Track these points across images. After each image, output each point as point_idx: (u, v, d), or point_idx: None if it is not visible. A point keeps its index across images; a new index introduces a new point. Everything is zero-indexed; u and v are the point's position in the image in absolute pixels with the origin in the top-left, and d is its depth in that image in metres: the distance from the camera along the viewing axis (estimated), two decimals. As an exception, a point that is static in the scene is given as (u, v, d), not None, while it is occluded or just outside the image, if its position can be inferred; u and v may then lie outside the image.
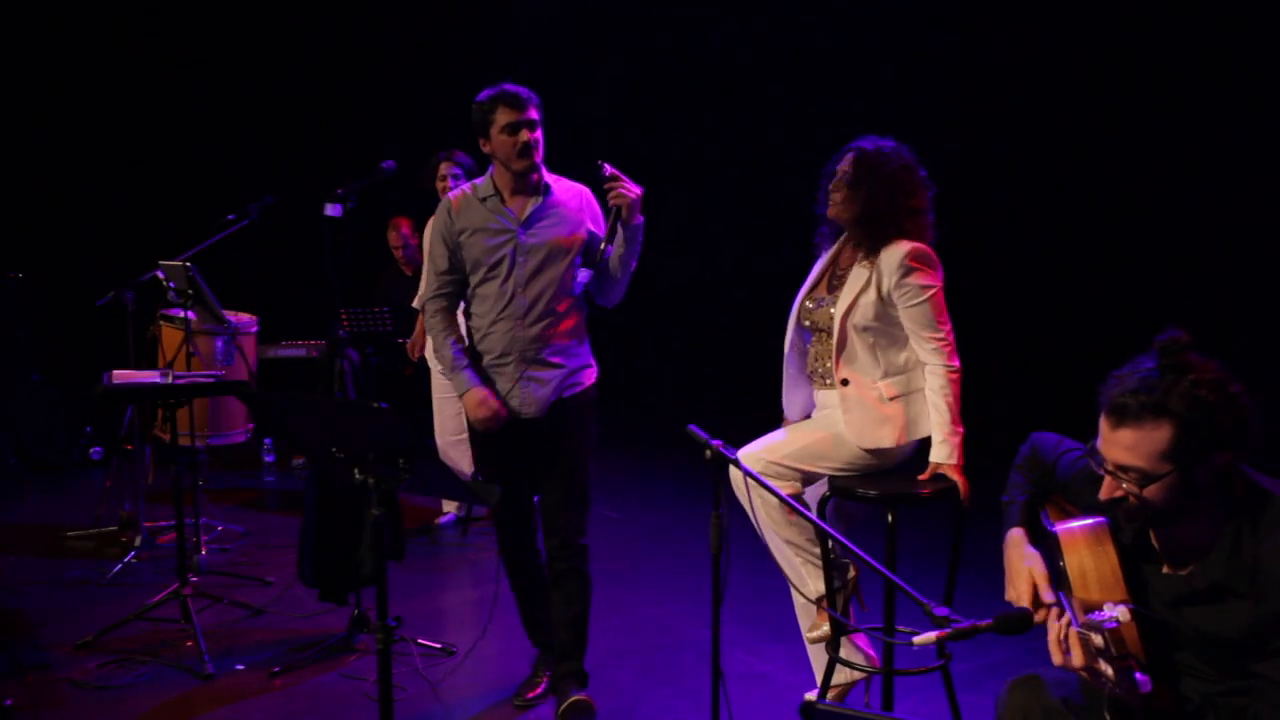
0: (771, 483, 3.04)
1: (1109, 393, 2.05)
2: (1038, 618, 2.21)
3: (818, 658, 3.54)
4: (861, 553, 2.72)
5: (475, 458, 3.77)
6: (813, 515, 2.91)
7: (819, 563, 3.35)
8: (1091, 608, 2.06)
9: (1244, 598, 2.03)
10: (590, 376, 3.71)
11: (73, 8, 8.47)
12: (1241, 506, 2.06)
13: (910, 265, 3.24)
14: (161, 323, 5.47)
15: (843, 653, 3.39)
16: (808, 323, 3.46)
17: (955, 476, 3.21)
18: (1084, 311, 6.75)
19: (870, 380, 3.33)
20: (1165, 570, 2.15)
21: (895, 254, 3.25)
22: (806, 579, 3.41)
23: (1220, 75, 6.16)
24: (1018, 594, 2.27)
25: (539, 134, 3.54)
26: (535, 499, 3.75)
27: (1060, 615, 2.14)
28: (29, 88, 8.45)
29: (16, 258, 7.27)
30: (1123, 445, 2.02)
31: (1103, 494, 2.09)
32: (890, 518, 3.20)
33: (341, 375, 4.94)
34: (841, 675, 3.49)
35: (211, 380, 4.46)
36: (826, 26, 7.98)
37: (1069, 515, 2.29)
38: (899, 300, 3.26)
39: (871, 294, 3.28)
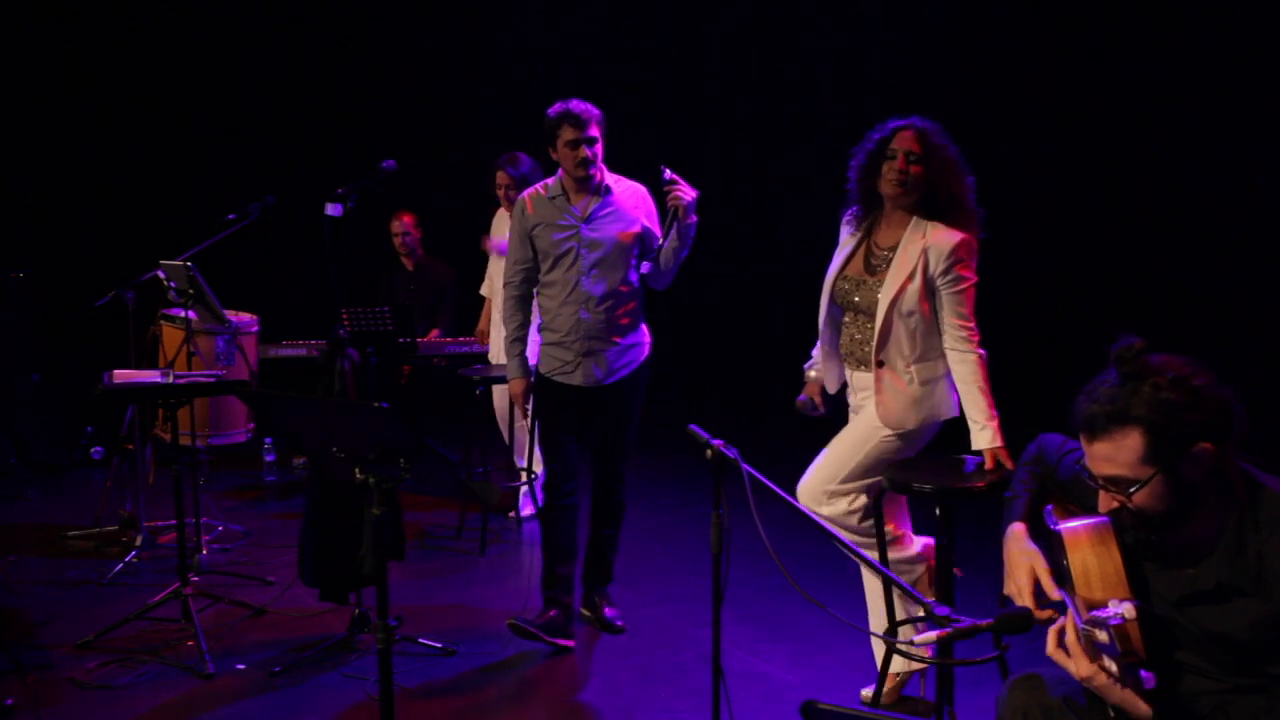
0: (835, 508, 3.40)
1: (1079, 409, 2.08)
2: (1041, 615, 2.21)
3: (880, 649, 3.61)
4: (863, 553, 2.73)
5: (536, 417, 4.37)
6: (815, 516, 2.90)
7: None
8: (1095, 606, 2.06)
9: (1249, 596, 2.04)
10: (643, 354, 4.25)
11: (74, 7, 8.47)
12: (1244, 504, 2.06)
13: (960, 256, 3.31)
14: (162, 322, 5.47)
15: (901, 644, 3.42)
16: (842, 302, 3.49)
17: (1005, 460, 3.24)
18: (1085, 309, 6.75)
19: (904, 364, 3.39)
20: (1168, 569, 2.15)
21: (947, 243, 3.31)
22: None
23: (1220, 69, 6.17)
24: (1018, 587, 2.27)
25: (598, 148, 4.06)
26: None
27: (1065, 619, 2.13)
28: (30, 88, 8.45)
29: (18, 257, 7.27)
30: (1101, 458, 2.05)
31: (1101, 508, 2.11)
32: (939, 511, 3.22)
33: (341, 375, 4.93)
34: (897, 665, 3.53)
35: (212, 380, 4.46)
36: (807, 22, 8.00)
37: (1072, 514, 2.29)
38: (941, 286, 3.33)
39: (918, 281, 3.32)
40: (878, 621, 3.56)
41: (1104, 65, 6.69)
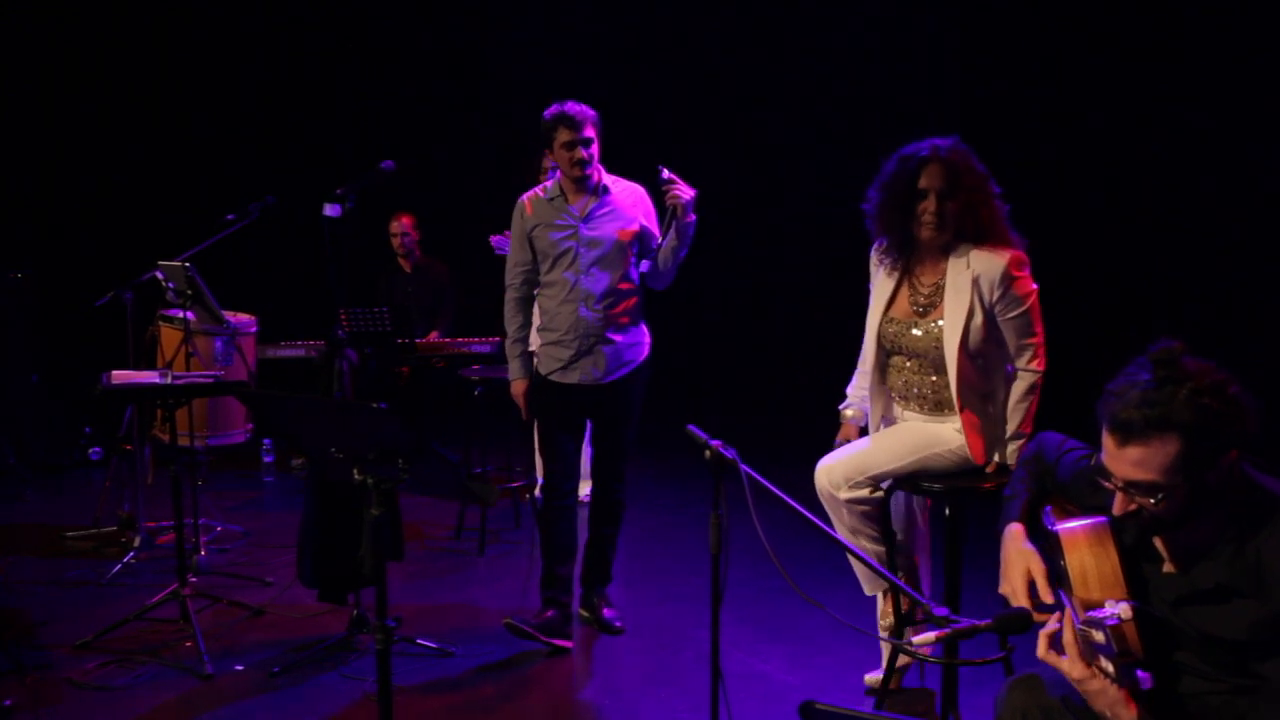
0: (854, 494, 3.27)
1: (1109, 409, 2.01)
2: (1040, 616, 2.20)
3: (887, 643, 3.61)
4: (863, 554, 2.72)
5: (536, 416, 4.34)
6: (810, 515, 2.90)
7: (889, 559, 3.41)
8: (1092, 607, 2.05)
9: (1248, 598, 2.03)
10: (642, 353, 4.26)
11: (74, 7, 8.47)
12: (1243, 506, 2.05)
13: (1013, 275, 3.16)
14: (161, 323, 5.46)
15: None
16: (889, 346, 3.35)
17: None
18: (1085, 309, 6.75)
19: (980, 402, 3.28)
20: (1167, 570, 2.15)
21: (997, 267, 3.15)
22: (874, 577, 3.46)
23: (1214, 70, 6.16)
24: (1012, 588, 2.27)
25: (594, 149, 4.09)
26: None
27: (1061, 619, 2.12)
28: (30, 88, 8.45)
29: (18, 257, 7.27)
30: (1131, 462, 1.99)
31: (1116, 510, 2.06)
32: (949, 511, 3.22)
33: (341, 375, 4.94)
34: (903, 657, 3.53)
35: (211, 380, 4.46)
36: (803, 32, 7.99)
37: (1070, 514, 2.29)
38: (1000, 311, 3.19)
39: (979, 317, 3.19)
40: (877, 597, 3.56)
41: (1104, 65, 6.69)
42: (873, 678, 3.72)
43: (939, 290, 3.26)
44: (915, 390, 3.35)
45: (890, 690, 3.55)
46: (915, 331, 3.28)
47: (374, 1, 8.99)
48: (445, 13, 8.96)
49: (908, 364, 3.34)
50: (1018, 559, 2.29)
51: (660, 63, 8.64)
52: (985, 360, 3.27)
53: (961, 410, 3.24)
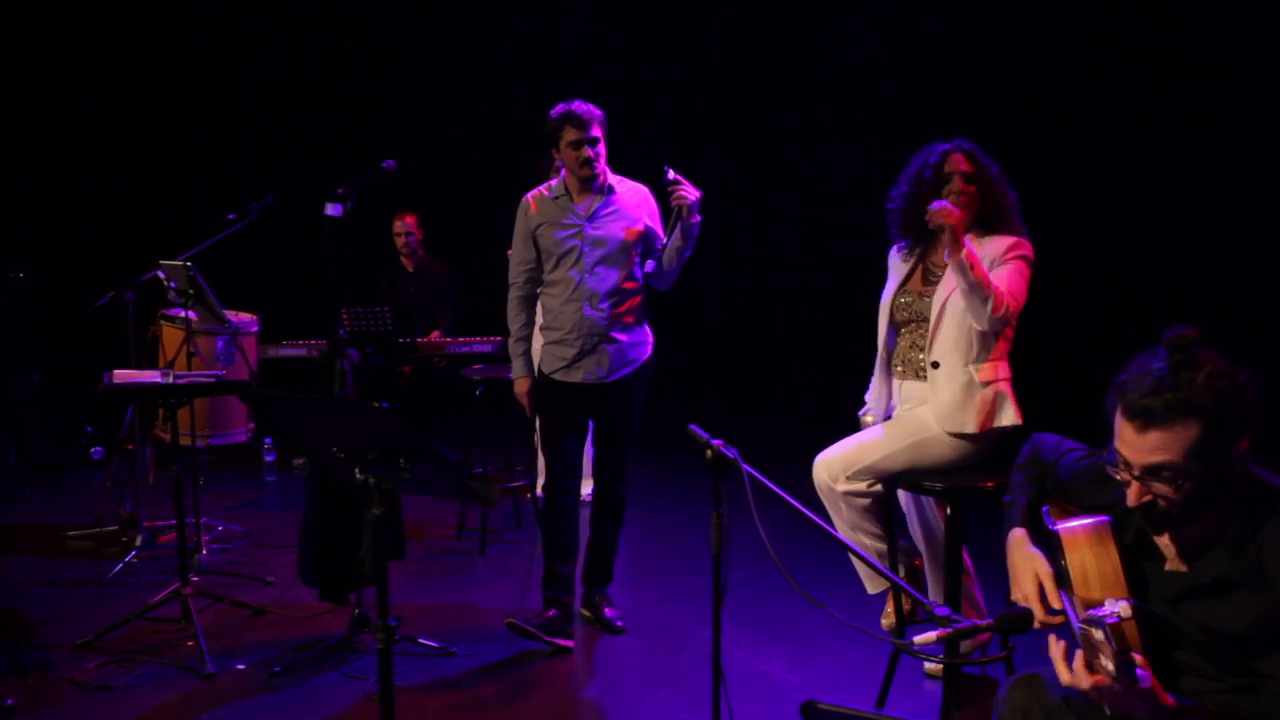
0: (852, 486, 3.34)
1: (1125, 398, 2.02)
2: (1052, 620, 2.20)
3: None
4: (862, 553, 2.73)
5: (540, 414, 4.32)
6: (812, 514, 2.90)
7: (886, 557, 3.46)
8: (1092, 605, 2.05)
9: (1249, 591, 2.03)
10: (645, 353, 4.27)
11: (74, 7, 8.48)
12: (1245, 500, 2.05)
13: (1016, 250, 3.34)
14: (162, 322, 5.47)
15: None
16: (901, 317, 3.48)
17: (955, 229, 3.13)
18: (1085, 309, 6.75)
19: (962, 364, 3.34)
20: (1167, 568, 2.15)
21: (1003, 243, 3.35)
22: (875, 576, 3.50)
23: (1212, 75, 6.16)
24: (1024, 594, 2.27)
25: (600, 148, 4.10)
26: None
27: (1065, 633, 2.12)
28: (30, 87, 8.45)
29: (18, 257, 7.27)
30: (1149, 448, 1.99)
31: (1131, 500, 2.06)
32: (949, 510, 3.23)
33: (341, 375, 4.94)
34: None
35: (212, 380, 4.46)
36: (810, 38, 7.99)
37: (1070, 514, 2.29)
38: (995, 266, 3.31)
39: None
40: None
41: (1104, 65, 6.70)
42: (932, 668, 3.75)
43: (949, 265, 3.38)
44: (915, 355, 3.44)
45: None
46: (926, 300, 3.42)
47: (374, 1, 8.99)
48: (445, 13, 8.97)
49: (915, 331, 3.45)
50: (1025, 564, 2.29)
51: (660, 63, 8.64)
52: (970, 327, 3.32)
53: (933, 364, 3.34)
